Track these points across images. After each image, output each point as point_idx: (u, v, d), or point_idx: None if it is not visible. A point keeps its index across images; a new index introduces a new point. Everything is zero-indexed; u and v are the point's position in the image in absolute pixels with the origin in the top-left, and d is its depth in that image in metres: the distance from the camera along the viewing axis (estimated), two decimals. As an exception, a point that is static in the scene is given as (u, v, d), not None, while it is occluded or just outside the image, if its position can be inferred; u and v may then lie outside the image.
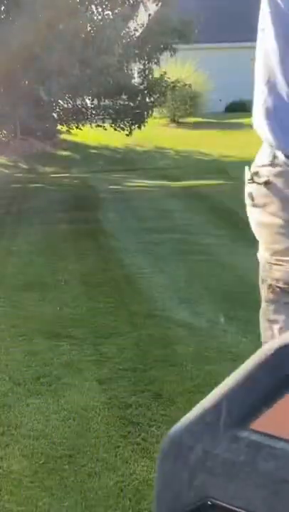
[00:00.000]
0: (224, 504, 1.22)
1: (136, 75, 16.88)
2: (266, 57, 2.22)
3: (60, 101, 15.52)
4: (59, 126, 18.85)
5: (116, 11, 14.91)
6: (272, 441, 1.23)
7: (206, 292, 6.36)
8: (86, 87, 13.64)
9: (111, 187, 14.99)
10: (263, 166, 2.21)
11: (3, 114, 13.99)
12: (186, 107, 27.43)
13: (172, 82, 16.21)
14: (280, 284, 2.08)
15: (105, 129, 17.29)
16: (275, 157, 2.17)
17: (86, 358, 4.76)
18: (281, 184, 2.11)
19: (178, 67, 26.35)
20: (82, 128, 17.97)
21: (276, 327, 2.13)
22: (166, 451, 1.36)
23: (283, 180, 2.10)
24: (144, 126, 17.03)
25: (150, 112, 16.76)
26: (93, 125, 17.59)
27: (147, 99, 16.27)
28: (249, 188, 2.27)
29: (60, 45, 12.35)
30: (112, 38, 13.19)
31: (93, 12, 14.91)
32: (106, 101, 16.44)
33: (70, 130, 18.19)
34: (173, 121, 27.97)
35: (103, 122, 17.08)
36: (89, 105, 17.18)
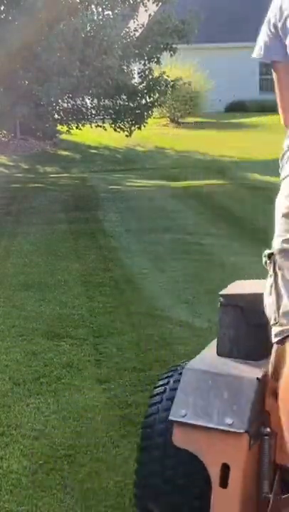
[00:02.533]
0: None
1: (136, 74, 16.88)
2: None
3: (60, 101, 15.51)
4: (59, 126, 18.84)
5: (116, 10, 14.90)
6: None
7: (206, 292, 6.36)
8: (86, 87, 13.64)
9: (111, 187, 14.98)
10: None
11: (3, 114, 13.97)
12: (186, 107, 27.43)
13: (172, 81, 16.19)
14: None
15: (105, 129, 17.29)
16: None
17: (86, 357, 4.76)
18: None
19: (178, 68, 26.38)
20: (82, 128, 17.96)
21: None
22: None
23: None
24: (144, 126, 17.02)
25: (150, 112, 16.74)
26: (93, 125, 17.58)
27: (147, 99, 16.26)
28: None
29: (60, 45, 12.34)
30: (112, 37, 13.17)
31: (93, 12, 14.90)
32: (106, 101, 16.43)
33: (70, 130, 18.18)
34: (173, 121, 27.97)
35: (103, 122, 17.06)
36: (89, 105, 17.18)
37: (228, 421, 2.24)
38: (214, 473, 2.23)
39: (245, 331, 2.56)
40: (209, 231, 9.40)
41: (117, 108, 16.19)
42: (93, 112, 16.96)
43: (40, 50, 12.49)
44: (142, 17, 16.25)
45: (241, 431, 2.22)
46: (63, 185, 16.07)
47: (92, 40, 13.13)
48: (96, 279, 6.87)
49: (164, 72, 16.46)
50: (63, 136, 21.85)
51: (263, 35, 2.47)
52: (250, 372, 2.39)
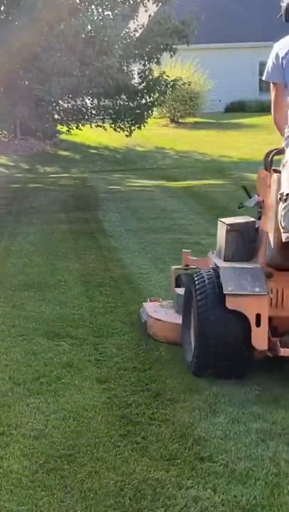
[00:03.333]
0: None
1: (136, 75, 16.89)
2: None
3: (60, 101, 15.52)
4: (59, 127, 18.85)
5: (116, 11, 14.89)
6: None
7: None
8: (86, 87, 13.64)
9: (111, 187, 15.00)
10: None
11: (3, 114, 13.98)
12: (186, 107, 27.45)
13: (172, 81, 16.19)
14: None
15: (105, 129, 17.30)
16: None
17: (86, 357, 4.76)
18: None
19: (178, 68, 26.39)
20: (82, 128, 17.96)
21: None
22: None
23: None
24: (144, 126, 17.03)
25: (150, 112, 16.75)
26: (93, 125, 17.58)
27: (147, 99, 16.27)
28: None
29: (61, 46, 12.35)
30: (112, 38, 13.18)
31: (93, 12, 14.91)
32: (106, 101, 16.43)
33: (70, 130, 18.19)
34: (173, 121, 27.98)
35: (103, 122, 17.07)
36: (89, 105, 17.19)
37: (257, 289, 4.20)
38: (252, 319, 4.15)
39: (241, 245, 4.55)
40: (209, 231, 9.40)
41: (117, 108, 16.19)
42: (93, 112, 16.96)
43: (40, 50, 12.49)
44: (142, 17, 16.26)
45: (264, 293, 4.20)
46: (63, 185, 16.09)
47: (93, 41, 13.13)
48: (96, 279, 6.88)
49: (164, 73, 16.46)
50: (63, 137, 21.86)
51: (270, 63, 4.22)
52: (253, 265, 4.40)
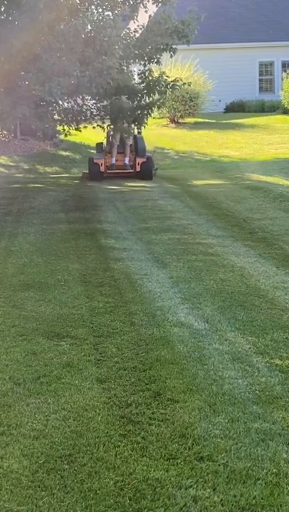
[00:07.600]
0: None
1: (136, 75, 16.88)
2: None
3: (60, 101, 15.50)
4: (59, 127, 18.83)
5: (116, 11, 14.88)
6: None
7: (206, 292, 6.37)
8: (86, 87, 13.62)
9: (111, 187, 15.01)
10: None
11: (3, 114, 13.97)
12: (185, 107, 27.42)
13: (172, 81, 16.17)
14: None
15: (105, 130, 17.26)
16: None
17: (86, 357, 4.76)
18: None
19: (178, 68, 26.37)
20: (81, 129, 17.94)
21: None
22: None
23: None
24: (144, 126, 17.02)
25: (150, 112, 16.73)
26: (93, 125, 17.56)
27: (147, 100, 16.26)
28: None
29: (61, 46, 12.33)
30: (112, 38, 13.16)
31: (93, 12, 14.89)
32: (106, 101, 16.42)
33: (70, 130, 18.17)
34: (173, 121, 27.95)
35: (103, 122, 17.06)
36: (89, 105, 17.16)
37: (100, 157, 16.76)
38: (100, 165, 16.61)
39: (100, 150, 17.22)
40: (209, 231, 9.40)
41: (116, 108, 16.18)
42: (93, 112, 16.95)
43: (40, 50, 12.48)
44: (142, 18, 16.25)
45: (102, 159, 16.66)
46: (63, 185, 16.09)
47: (93, 41, 13.12)
48: (96, 279, 6.88)
49: (163, 73, 16.45)
50: (63, 137, 21.79)
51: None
52: (102, 155, 16.89)
